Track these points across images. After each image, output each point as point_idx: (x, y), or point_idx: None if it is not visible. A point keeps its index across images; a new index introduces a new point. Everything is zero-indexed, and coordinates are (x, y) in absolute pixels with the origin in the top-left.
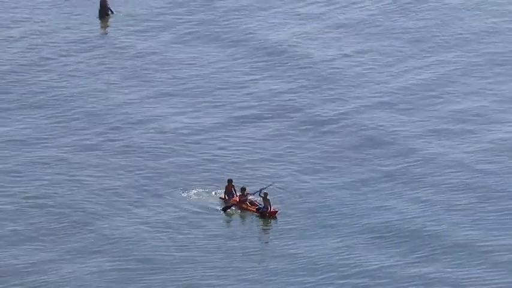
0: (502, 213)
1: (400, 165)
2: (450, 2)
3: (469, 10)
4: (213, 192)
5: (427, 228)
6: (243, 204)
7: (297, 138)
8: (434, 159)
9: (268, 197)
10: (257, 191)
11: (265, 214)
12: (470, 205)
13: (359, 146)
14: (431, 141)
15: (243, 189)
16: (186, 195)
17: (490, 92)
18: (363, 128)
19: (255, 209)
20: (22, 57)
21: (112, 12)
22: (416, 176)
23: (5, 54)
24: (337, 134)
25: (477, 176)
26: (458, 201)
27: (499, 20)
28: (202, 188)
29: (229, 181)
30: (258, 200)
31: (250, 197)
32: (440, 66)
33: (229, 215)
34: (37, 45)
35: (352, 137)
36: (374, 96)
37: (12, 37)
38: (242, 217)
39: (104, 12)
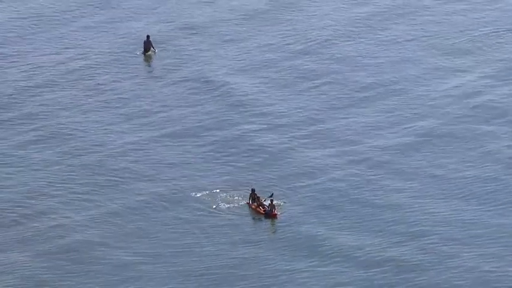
0: (357, 216)
1: (280, 175)
2: (341, 49)
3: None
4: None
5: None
6: (257, 207)
7: (208, 153)
8: (311, 168)
9: (274, 203)
10: (267, 197)
11: (269, 215)
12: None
13: (253, 159)
14: (310, 154)
15: (257, 197)
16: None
17: (356, 116)
18: (258, 144)
19: (263, 211)
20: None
21: (154, 49)
22: (294, 182)
23: (44, 74)
24: (237, 152)
25: (342, 184)
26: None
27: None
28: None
29: (253, 190)
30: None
31: (264, 202)
32: (319, 96)
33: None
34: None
35: (249, 152)
36: (268, 119)
37: (59, 61)
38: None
39: (147, 49)
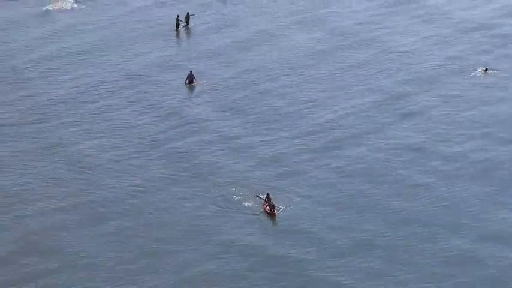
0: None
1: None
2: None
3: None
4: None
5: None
6: (266, 206)
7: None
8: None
9: (276, 204)
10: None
11: (270, 214)
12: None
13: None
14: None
15: (268, 198)
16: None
17: (273, 134)
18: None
19: (268, 210)
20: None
21: (196, 80)
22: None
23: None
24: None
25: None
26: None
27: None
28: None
29: (268, 194)
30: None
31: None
32: (251, 119)
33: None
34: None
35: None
36: (210, 136)
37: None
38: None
39: (191, 81)
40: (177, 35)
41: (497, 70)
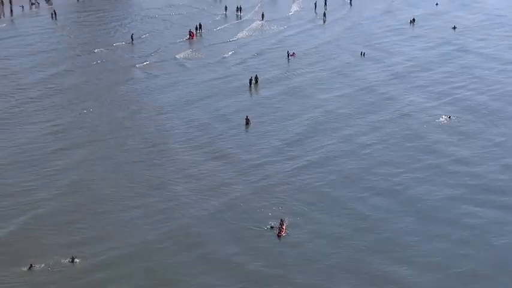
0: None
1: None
2: None
3: None
4: None
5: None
6: (280, 229)
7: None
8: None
9: (283, 225)
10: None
11: (277, 235)
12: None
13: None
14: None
15: (281, 223)
16: None
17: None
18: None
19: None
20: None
21: (250, 121)
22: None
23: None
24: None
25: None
26: None
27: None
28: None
29: (282, 219)
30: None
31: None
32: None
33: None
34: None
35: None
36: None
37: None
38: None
39: (246, 121)
40: (250, 90)
41: (459, 117)
